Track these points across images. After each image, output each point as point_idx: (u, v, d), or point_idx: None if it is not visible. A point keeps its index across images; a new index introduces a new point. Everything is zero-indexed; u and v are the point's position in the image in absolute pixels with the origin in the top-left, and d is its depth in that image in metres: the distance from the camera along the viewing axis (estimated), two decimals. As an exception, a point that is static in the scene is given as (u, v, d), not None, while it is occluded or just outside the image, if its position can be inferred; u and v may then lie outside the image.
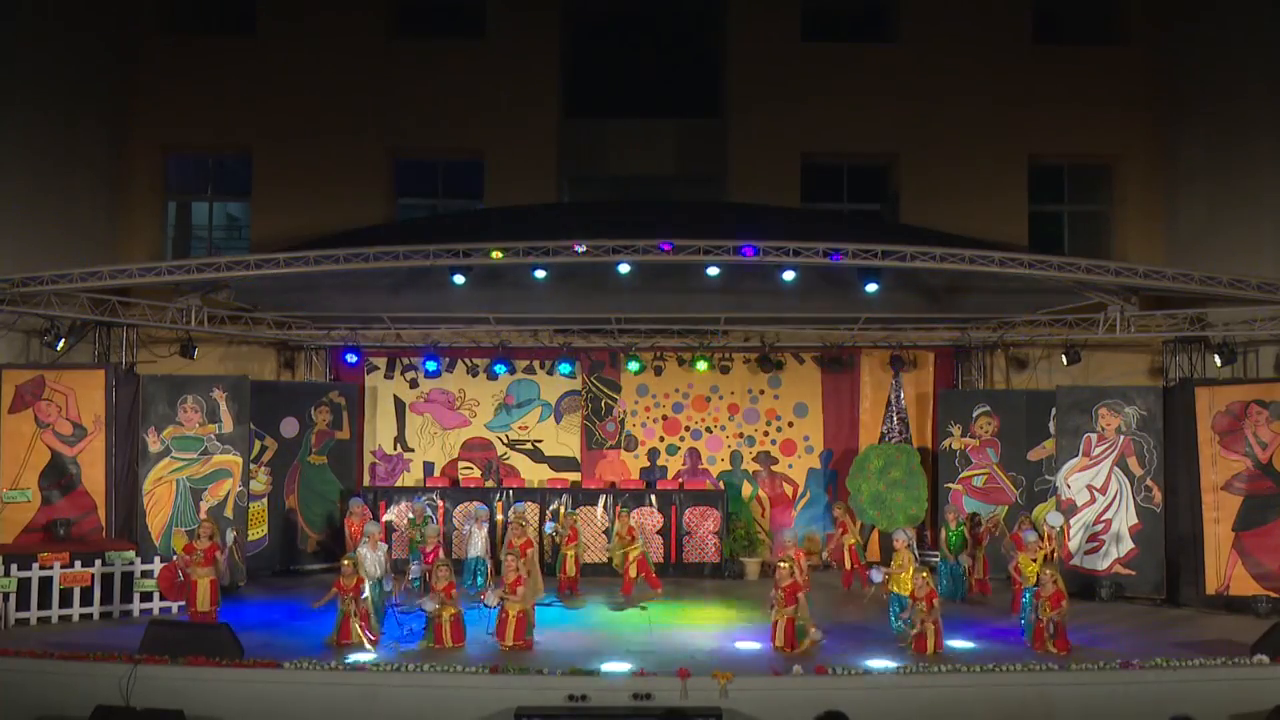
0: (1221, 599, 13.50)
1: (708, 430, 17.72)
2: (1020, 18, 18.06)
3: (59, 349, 14.55)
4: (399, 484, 17.19)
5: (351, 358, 17.07)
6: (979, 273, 13.51)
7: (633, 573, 14.11)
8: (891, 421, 16.86)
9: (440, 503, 16.01)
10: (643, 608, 13.38)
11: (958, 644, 11.34)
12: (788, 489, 17.59)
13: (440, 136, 18.07)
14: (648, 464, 17.63)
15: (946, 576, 13.99)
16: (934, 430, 16.92)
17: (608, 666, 9.99)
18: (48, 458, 13.81)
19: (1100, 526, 14.53)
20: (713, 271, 13.42)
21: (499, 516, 15.85)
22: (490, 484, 16.97)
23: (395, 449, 17.61)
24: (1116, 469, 14.56)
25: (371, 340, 16.98)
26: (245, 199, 18.44)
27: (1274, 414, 13.38)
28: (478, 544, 14.66)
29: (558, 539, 14.51)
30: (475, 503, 15.72)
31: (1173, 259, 16.71)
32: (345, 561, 11.56)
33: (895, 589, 11.81)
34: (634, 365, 16.90)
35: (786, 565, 11.35)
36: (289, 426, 16.32)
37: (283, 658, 10.06)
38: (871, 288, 13.31)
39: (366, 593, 11.43)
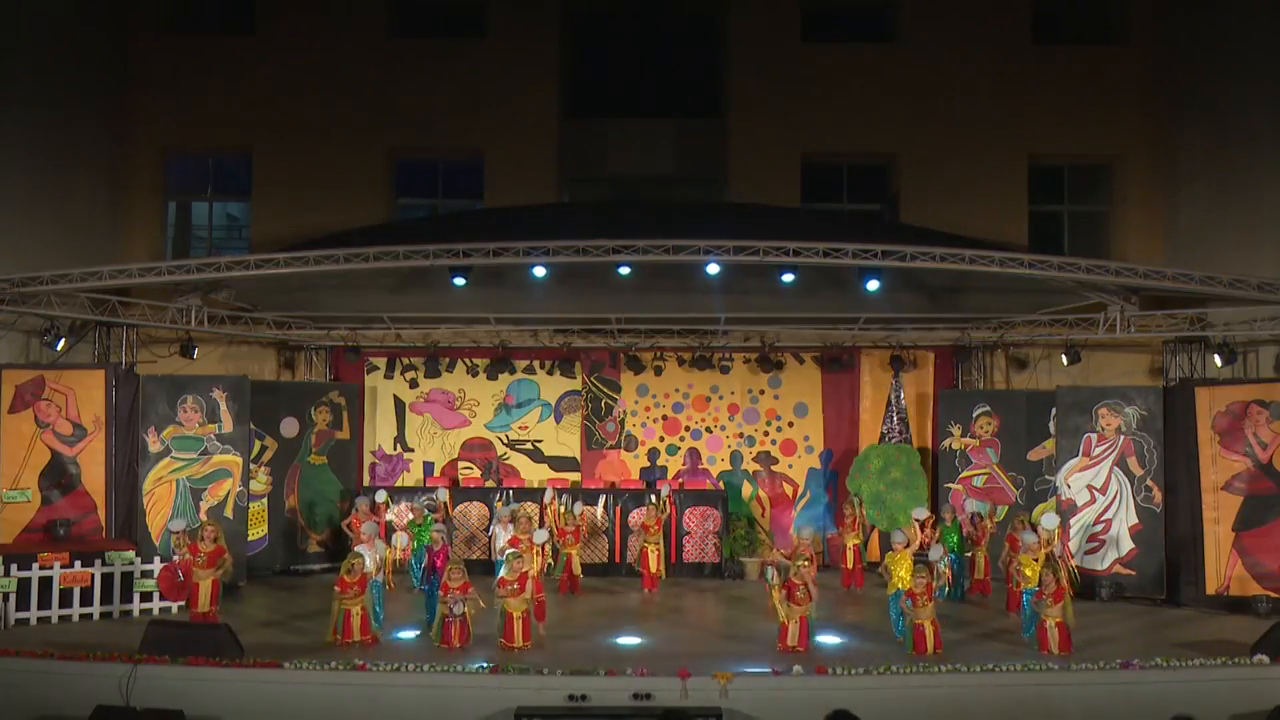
0: (1221, 599, 13.50)
1: (708, 430, 17.72)
2: (1020, 18, 18.06)
3: (59, 349, 14.56)
4: (399, 484, 17.19)
5: (351, 358, 17.06)
6: (979, 273, 13.50)
7: (652, 566, 14.19)
8: (891, 421, 16.86)
9: (447, 494, 15.96)
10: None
11: (957, 644, 11.33)
12: (788, 489, 17.59)
13: (440, 136, 18.06)
14: (648, 464, 17.63)
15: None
16: (934, 430, 16.93)
17: (607, 663, 9.98)
18: (48, 458, 13.81)
19: (1100, 526, 14.53)
20: (713, 270, 13.41)
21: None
22: (490, 484, 16.99)
23: (395, 449, 17.62)
24: (1116, 469, 14.56)
25: (371, 340, 16.99)
26: (245, 199, 18.44)
27: (1274, 414, 13.37)
28: (503, 545, 14.52)
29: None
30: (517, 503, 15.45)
31: (1173, 259, 16.71)
32: (354, 561, 11.55)
33: (895, 585, 11.81)
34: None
35: (806, 563, 11.35)
36: (289, 426, 16.32)
37: (283, 658, 10.06)
38: (872, 285, 13.31)
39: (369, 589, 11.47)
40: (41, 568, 12.37)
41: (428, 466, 17.56)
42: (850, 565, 14.79)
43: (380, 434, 17.63)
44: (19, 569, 12.25)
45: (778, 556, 13.66)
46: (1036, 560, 12.04)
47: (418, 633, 11.81)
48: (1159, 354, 16.25)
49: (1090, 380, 16.02)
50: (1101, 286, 14.14)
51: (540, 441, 17.65)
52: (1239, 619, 12.80)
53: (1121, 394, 14.75)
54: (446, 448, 17.61)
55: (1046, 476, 15.63)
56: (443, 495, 15.59)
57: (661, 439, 17.72)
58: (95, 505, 13.89)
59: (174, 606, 12.81)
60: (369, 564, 11.82)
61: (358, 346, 16.93)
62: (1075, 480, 14.76)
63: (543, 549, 12.59)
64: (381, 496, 15.24)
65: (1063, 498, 14.79)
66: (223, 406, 14.60)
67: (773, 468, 17.62)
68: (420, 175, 18.84)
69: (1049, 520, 12.98)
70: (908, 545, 12.27)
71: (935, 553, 13.08)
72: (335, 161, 17.59)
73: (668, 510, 15.05)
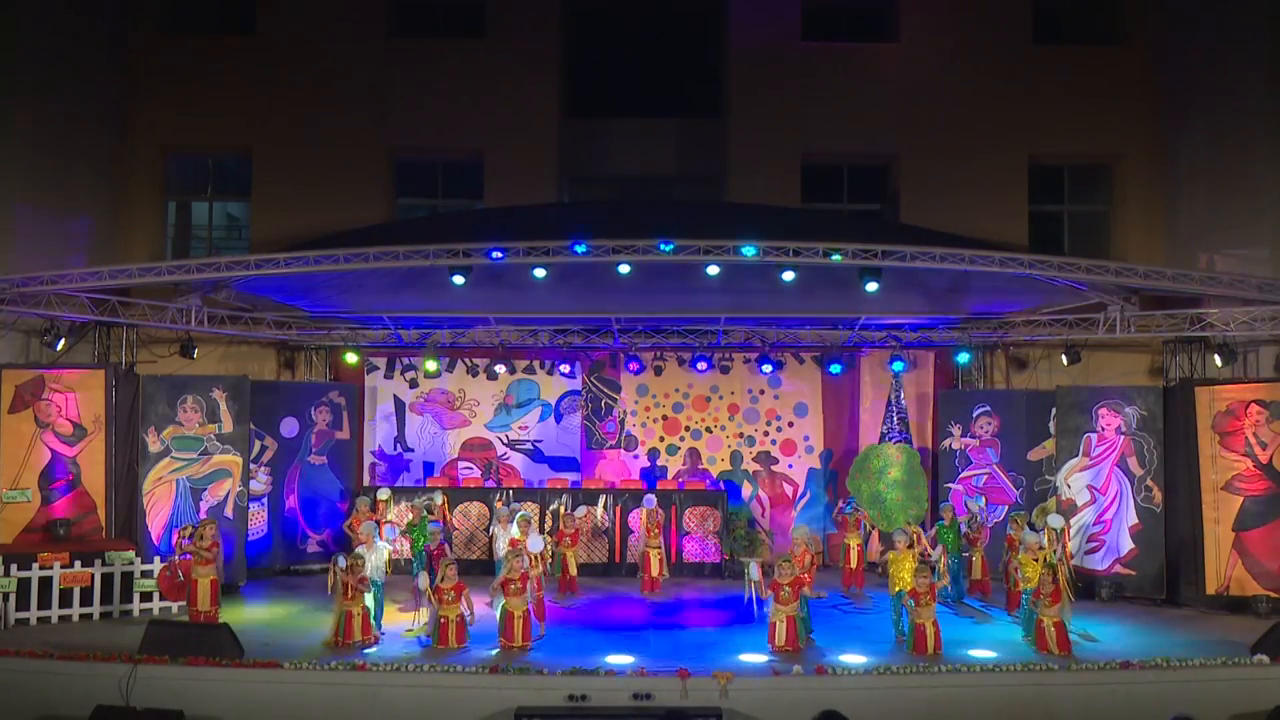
0: (1221, 599, 13.50)
1: (708, 430, 17.72)
2: (1020, 18, 18.05)
3: (59, 349, 14.56)
4: (399, 484, 17.17)
5: (353, 358, 17.04)
6: (979, 273, 13.51)
7: (654, 570, 14.23)
8: (891, 421, 16.84)
9: (443, 499, 15.95)
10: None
11: (957, 644, 11.33)
12: (788, 489, 17.59)
13: (440, 136, 18.06)
14: (648, 464, 17.64)
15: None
16: (934, 430, 16.93)
17: (607, 664, 10.00)
18: (48, 458, 13.81)
19: (1100, 526, 14.54)
20: (713, 271, 13.41)
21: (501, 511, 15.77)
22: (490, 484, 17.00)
23: (395, 449, 17.62)
24: (1117, 469, 14.56)
25: (371, 340, 16.99)
26: (245, 199, 18.43)
27: (1274, 414, 13.38)
28: (503, 544, 14.48)
29: None
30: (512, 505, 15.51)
31: (1173, 259, 16.71)
32: (355, 560, 11.54)
33: (897, 586, 11.80)
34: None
35: (788, 564, 11.33)
36: (289, 426, 16.32)
37: (283, 658, 10.08)
38: (872, 287, 13.31)
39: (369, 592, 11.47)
40: (41, 568, 12.37)
41: (428, 466, 17.56)
42: (852, 565, 14.77)
43: (380, 434, 17.64)
44: (19, 569, 12.26)
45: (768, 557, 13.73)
46: (1036, 560, 12.03)
47: (416, 632, 11.82)
48: (1159, 354, 16.26)
49: (1090, 380, 16.02)
50: (1101, 286, 14.14)
51: (540, 441, 17.66)
52: (1239, 619, 12.82)
53: (1121, 394, 14.75)
54: (446, 448, 17.62)
55: (1046, 476, 15.63)
56: (439, 499, 15.57)
57: (661, 439, 17.73)
58: (95, 505, 13.89)
59: (174, 606, 12.81)
60: (368, 566, 11.83)
61: (358, 347, 16.94)
62: (1075, 480, 14.77)
63: (540, 557, 12.48)
64: (384, 494, 15.23)
65: (1063, 498, 14.80)
66: (223, 406, 14.61)
67: (773, 468, 17.63)
68: (420, 175, 18.84)
69: (1055, 521, 12.94)
70: (910, 546, 12.23)
71: (934, 554, 13.04)
72: (335, 161, 17.60)
73: (660, 517, 14.94)
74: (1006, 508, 15.59)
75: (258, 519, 15.68)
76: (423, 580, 11.76)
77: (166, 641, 10.20)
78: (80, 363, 14.87)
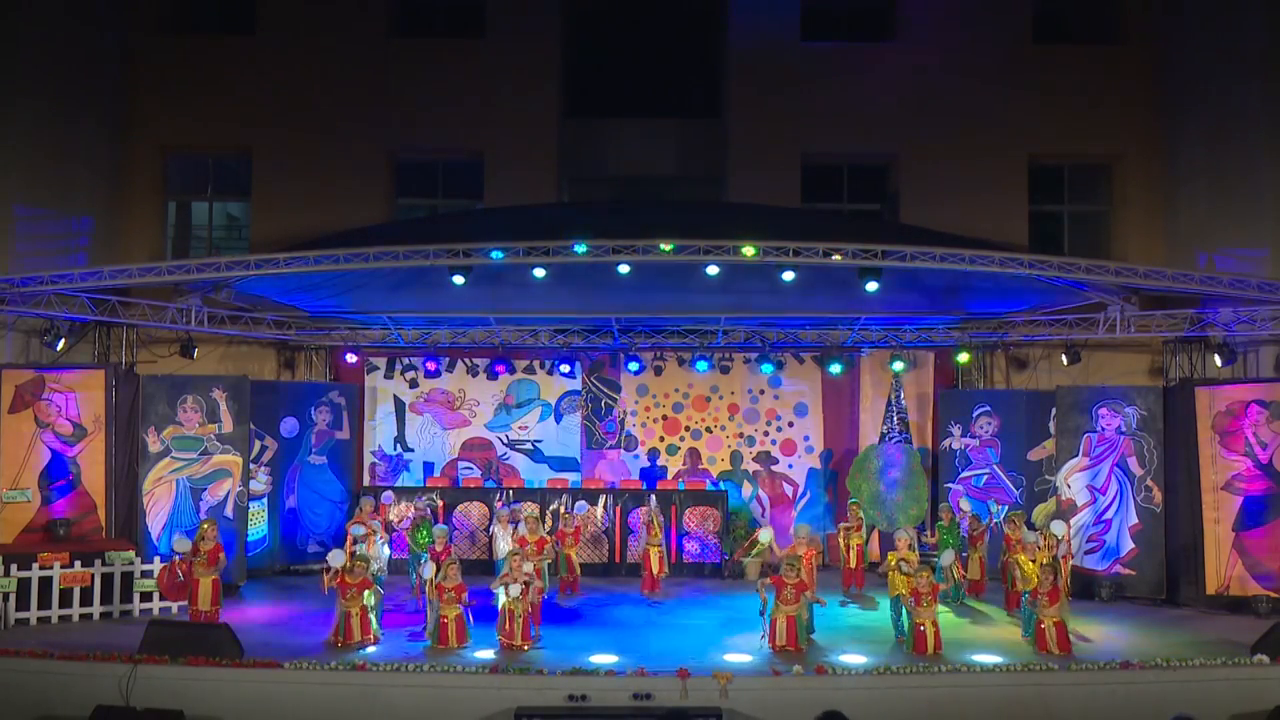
0: (1221, 599, 13.50)
1: (708, 430, 17.72)
2: (1020, 18, 18.06)
3: (59, 349, 14.57)
4: (399, 484, 17.18)
5: (351, 358, 17.07)
6: (979, 273, 13.51)
7: (654, 569, 14.24)
8: (891, 421, 16.84)
9: (440, 502, 16.00)
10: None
11: (956, 644, 11.33)
12: (788, 489, 17.59)
13: (440, 136, 18.07)
14: (648, 464, 17.64)
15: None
16: (934, 430, 16.94)
17: (607, 664, 10.00)
18: (48, 458, 13.82)
19: (1100, 526, 14.54)
20: (713, 271, 13.41)
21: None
22: (490, 484, 16.99)
23: (395, 449, 17.62)
24: (1117, 469, 14.56)
25: (371, 340, 17.00)
26: (245, 199, 18.43)
27: (1274, 414, 13.38)
28: (503, 544, 14.44)
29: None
30: (501, 505, 15.47)
31: (1173, 259, 16.72)
32: (357, 562, 11.54)
33: (895, 590, 11.79)
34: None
35: (790, 566, 11.31)
36: (289, 426, 16.31)
37: (283, 658, 10.08)
38: (872, 287, 13.31)
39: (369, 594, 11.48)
40: (41, 568, 12.37)
41: (428, 466, 17.56)
42: (852, 565, 14.76)
43: (380, 434, 17.63)
44: (19, 569, 12.26)
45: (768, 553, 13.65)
46: (1035, 561, 12.03)
47: (414, 632, 11.82)
48: (1159, 354, 16.26)
49: (1090, 380, 16.02)
50: (1101, 286, 14.14)
51: (540, 441, 17.66)
52: (1239, 619, 12.82)
53: (1121, 394, 14.75)
54: (446, 448, 17.62)
55: (1046, 476, 15.63)
56: (436, 501, 15.55)
57: (661, 439, 17.73)
58: (95, 505, 13.89)
59: (174, 606, 12.81)
60: (374, 565, 11.83)
61: (358, 347, 16.96)
62: (1075, 480, 14.76)
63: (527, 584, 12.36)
64: (389, 498, 15.23)
65: (1063, 498, 14.80)
66: (223, 406, 14.61)
67: (773, 468, 17.63)
68: (420, 175, 18.84)
69: (1057, 527, 12.90)
70: (911, 545, 12.20)
71: (948, 558, 13.00)
72: (335, 161, 17.59)
73: (659, 518, 14.94)
74: (1006, 508, 15.57)
75: (258, 519, 15.68)
76: (429, 569, 11.69)
77: (166, 641, 10.20)
78: (80, 363, 14.87)
